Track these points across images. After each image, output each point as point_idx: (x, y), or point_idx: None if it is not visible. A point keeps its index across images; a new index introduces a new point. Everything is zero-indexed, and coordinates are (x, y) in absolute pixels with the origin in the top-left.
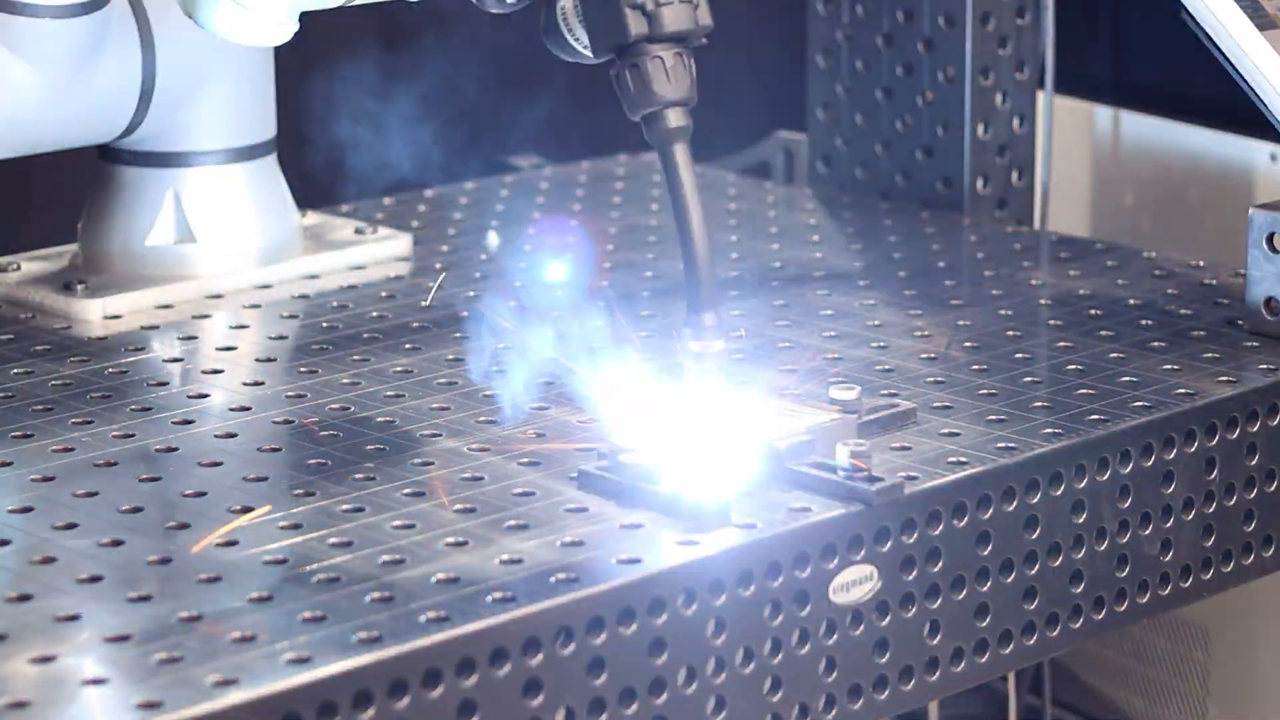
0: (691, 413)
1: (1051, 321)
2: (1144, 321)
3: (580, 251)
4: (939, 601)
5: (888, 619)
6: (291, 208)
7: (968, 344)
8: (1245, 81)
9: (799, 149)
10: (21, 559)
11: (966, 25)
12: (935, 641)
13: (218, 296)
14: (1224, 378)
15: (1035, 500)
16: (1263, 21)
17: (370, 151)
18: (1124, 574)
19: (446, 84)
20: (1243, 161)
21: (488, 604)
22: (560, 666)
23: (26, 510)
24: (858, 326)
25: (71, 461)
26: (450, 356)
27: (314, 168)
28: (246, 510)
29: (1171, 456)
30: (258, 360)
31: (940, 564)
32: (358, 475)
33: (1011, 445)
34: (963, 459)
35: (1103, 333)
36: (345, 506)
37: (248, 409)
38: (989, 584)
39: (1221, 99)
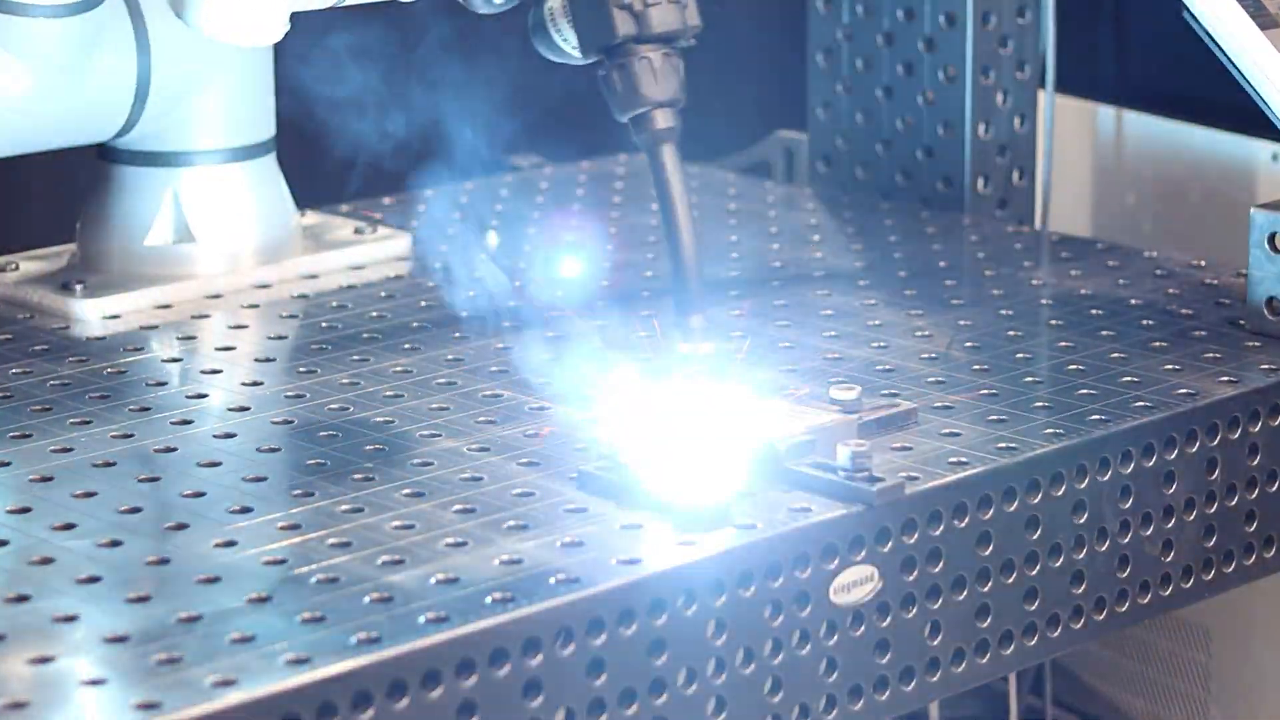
0: (690, 413)
1: (1052, 321)
2: (1145, 321)
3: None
4: (940, 602)
5: (888, 619)
6: (291, 207)
7: (968, 344)
8: (1247, 81)
9: (799, 149)
10: (20, 559)
11: (967, 24)
12: (936, 642)
13: (216, 296)
14: (1225, 378)
15: (1036, 500)
16: (1264, 21)
17: (370, 151)
18: (1125, 574)
19: (446, 84)
20: (1244, 161)
21: (487, 605)
22: (560, 667)
23: (25, 510)
24: (858, 326)
25: (70, 462)
26: (449, 356)
27: (314, 167)
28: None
29: (1173, 457)
30: (257, 360)
31: (941, 564)
32: (356, 476)
33: (1012, 445)
34: (963, 459)
35: (1104, 333)
36: (344, 507)
37: (247, 409)
38: (990, 584)
39: (1223, 99)
